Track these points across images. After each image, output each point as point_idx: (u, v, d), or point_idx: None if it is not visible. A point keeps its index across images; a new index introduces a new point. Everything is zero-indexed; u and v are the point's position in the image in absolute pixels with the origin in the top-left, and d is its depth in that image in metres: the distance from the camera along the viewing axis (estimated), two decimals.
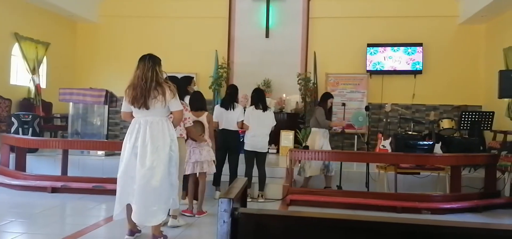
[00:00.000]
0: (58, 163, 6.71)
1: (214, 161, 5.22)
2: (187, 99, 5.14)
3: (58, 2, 9.40)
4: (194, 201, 5.14)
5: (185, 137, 4.72)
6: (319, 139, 6.51)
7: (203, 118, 5.17)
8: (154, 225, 3.81)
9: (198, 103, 5.23)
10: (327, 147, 6.51)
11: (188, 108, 4.80)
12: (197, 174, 5.13)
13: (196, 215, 4.98)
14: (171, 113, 3.92)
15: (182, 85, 5.10)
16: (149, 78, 3.72)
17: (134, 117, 3.89)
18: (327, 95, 6.70)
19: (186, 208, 5.01)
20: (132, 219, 3.84)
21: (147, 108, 3.74)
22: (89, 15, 10.60)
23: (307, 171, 6.36)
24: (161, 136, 3.76)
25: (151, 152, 3.71)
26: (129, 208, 3.86)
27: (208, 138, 5.17)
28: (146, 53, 3.88)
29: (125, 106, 3.90)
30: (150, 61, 3.79)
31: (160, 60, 3.88)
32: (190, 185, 5.13)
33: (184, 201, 5.15)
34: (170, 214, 4.34)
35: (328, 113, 6.67)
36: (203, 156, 5.05)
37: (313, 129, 6.65)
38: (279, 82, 10.09)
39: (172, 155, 3.82)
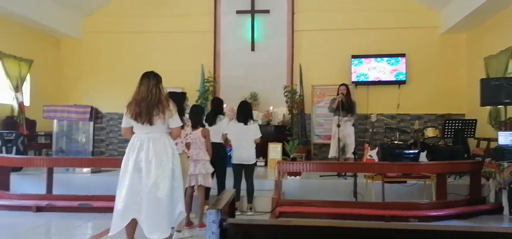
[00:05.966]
0: (43, 182, 6.61)
1: (211, 174, 5.31)
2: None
3: (41, 19, 9.33)
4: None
5: (188, 153, 4.77)
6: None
7: (198, 132, 5.23)
8: None
9: (194, 118, 5.26)
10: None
11: (189, 124, 4.82)
12: (194, 187, 5.23)
13: (198, 228, 5.06)
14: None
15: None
16: (154, 94, 3.85)
17: (133, 133, 3.94)
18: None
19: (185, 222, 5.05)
20: (145, 234, 3.82)
21: (151, 124, 3.83)
22: (72, 32, 10.53)
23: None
24: (164, 151, 3.86)
25: (156, 167, 3.80)
26: (130, 223, 3.86)
27: (205, 152, 5.25)
28: (149, 71, 4.01)
29: (126, 122, 3.97)
30: (154, 78, 3.94)
31: (161, 78, 4.02)
32: (187, 199, 5.17)
33: None
34: (174, 228, 4.38)
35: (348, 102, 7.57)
36: (198, 169, 5.16)
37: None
38: (266, 95, 10.13)
39: (174, 169, 3.91)
